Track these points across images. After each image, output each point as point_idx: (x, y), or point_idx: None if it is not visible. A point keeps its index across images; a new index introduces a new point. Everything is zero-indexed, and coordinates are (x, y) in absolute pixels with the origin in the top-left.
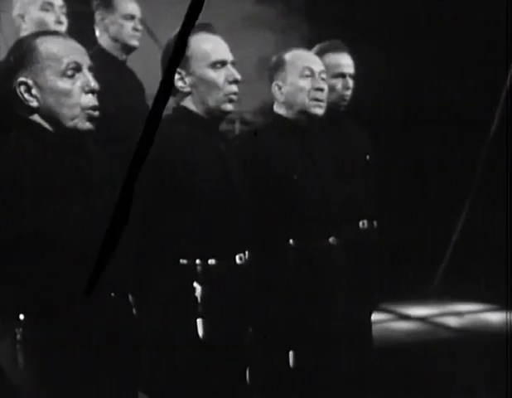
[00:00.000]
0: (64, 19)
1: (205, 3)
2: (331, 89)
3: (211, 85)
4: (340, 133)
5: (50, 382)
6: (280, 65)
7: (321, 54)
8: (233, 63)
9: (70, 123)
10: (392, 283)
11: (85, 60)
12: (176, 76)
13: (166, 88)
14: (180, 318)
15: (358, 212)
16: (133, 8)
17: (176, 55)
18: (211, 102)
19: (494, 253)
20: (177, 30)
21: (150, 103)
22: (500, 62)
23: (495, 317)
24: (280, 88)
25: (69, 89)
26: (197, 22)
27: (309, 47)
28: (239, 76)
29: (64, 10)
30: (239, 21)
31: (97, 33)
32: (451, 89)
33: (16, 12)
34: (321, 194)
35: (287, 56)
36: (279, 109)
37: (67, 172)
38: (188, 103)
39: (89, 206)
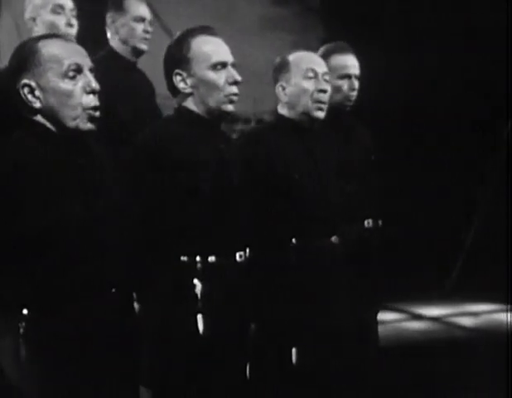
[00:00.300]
0: (74, 22)
1: (221, 5)
2: (337, 89)
3: (212, 86)
4: (346, 134)
5: (52, 376)
6: (284, 67)
7: (327, 55)
8: (233, 65)
9: (72, 124)
10: (405, 283)
11: (86, 62)
12: (178, 78)
13: None
14: (180, 314)
15: (363, 211)
16: (144, 11)
17: None
18: (212, 103)
19: (509, 253)
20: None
21: (161, 103)
22: (501, 62)
23: (510, 317)
24: (284, 89)
25: (70, 89)
26: (199, 25)
27: None
28: (239, 78)
29: (74, 13)
30: (255, 22)
31: (108, 35)
32: (452, 89)
33: (27, 15)
34: (322, 193)
35: (291, 58)
36: (282, 110)
37: (69, 171)
38: (189, 103)
39: (90, 206)
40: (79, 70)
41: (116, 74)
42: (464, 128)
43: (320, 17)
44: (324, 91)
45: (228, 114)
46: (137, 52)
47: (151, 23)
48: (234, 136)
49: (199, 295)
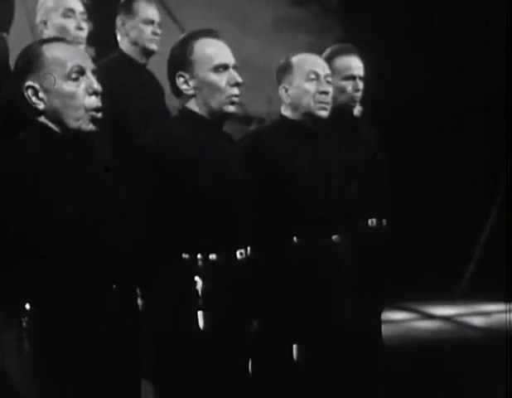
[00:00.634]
0: (84, 25)
1: (238, 6)
2: (342, 90)
3: (214, 88)
4: (351, 134)
5: (54, 370)
6: (287, 68)
7: (332, 57)
8: (235, 67)
9: (75, 124)
10: (417, 282)
11: (88, 64)
12: (181, 79)
13: None
14: (181, 310)
15: (366, 211)
16: (152, 13)
17: None
18: (214, 104)
19: None
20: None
21: (170, 104)
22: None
23: None
24: (287, 90)
25: (73, 91)
26: (203, 28)
27: None
28: (240, 79)
29: (84, 16)
30: (273, 23)
31: (118, 38)
32: (458, 90)
33: (39, 18)
34: (323, 193)
35: (294, 60)
36: (285, 111)
37: (72, 171)
38: (192, 105)
39: (93, 205)
40: (81, 71)
41: (126, 75)
42: (473, 128)
43: (337, 18)
44: (326, 93)
45: (229, 115)
46: (147, 54)
47: (160, 25)
48: None
49: (200, 292)
